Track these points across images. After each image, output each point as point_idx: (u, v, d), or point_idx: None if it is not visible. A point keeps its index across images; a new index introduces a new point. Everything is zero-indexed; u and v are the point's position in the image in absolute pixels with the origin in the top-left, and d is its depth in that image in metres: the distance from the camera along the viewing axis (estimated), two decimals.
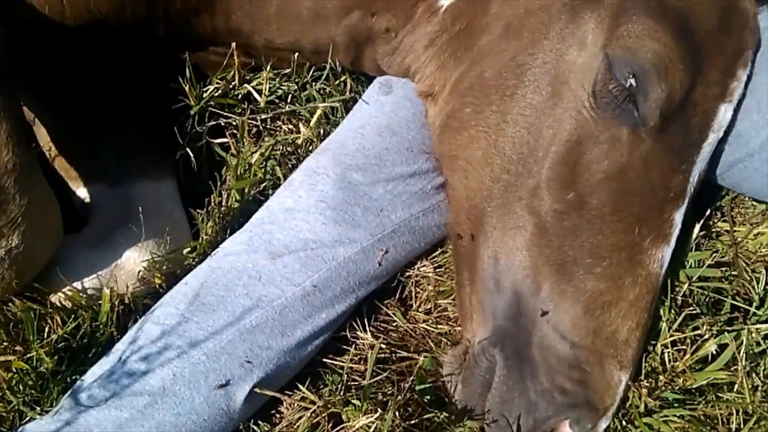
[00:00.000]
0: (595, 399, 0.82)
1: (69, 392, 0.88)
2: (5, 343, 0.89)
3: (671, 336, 0.90)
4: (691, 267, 1.04)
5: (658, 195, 0.85)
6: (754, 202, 1.19)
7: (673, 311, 0.93)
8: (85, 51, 1.08)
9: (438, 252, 1.14)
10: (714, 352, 0.90)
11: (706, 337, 0.90)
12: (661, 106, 0.82)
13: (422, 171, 1.05)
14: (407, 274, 1.13)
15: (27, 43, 0.99)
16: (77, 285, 0.95)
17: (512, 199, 0.87)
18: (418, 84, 1.04)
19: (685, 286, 0.99)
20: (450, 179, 0.96)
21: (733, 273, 1.07)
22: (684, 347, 0.90)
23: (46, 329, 0.93)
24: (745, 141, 0.95)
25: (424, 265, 1.13)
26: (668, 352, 0.90)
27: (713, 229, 1.16)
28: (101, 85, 1.12)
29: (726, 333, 0.91)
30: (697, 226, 1.04)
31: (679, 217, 0.88)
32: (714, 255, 1.07)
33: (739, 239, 1.11)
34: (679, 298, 0.98)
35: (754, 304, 0.99)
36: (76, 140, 1.09)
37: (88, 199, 1.08)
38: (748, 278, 1.06)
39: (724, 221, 1.18)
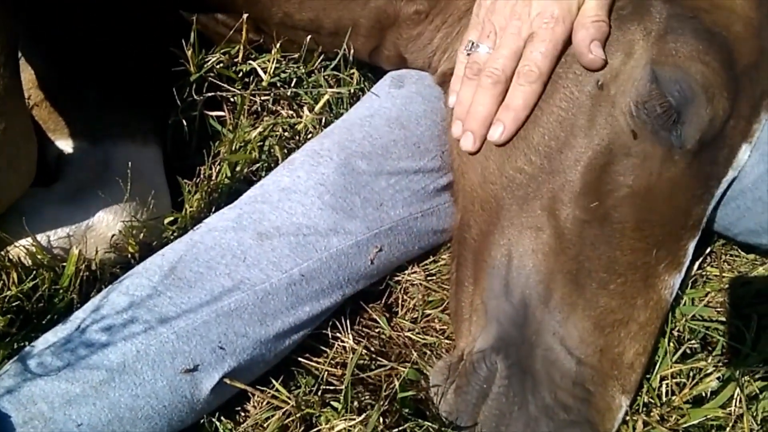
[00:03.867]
0: (595, 419, 0.77)
1: (16, 357, 0.78)
2: None
3: (671, 368, 0.86)
4: (685, 305, 1.03)
5: (679, 221, 0.83)
6: (742, 252, 1.19)
7: (672, 343, 0.89)
8: None
9: (430, 260, 1.09)
10: (711, 391, 0.87)
11: (710, 371, 0.87)
12: (702, 129, 0.80)
13: (427, 169, 1.00)
14: (396, 278, 1.07)
15: None
16: (42, 240, 0.85)
17: (533, 196, 0.84)
18: (442, 64, 1.00)
19: (682, 322, 0.97)
20: (464, 164, 0.91)
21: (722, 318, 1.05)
22: (684, 380, 0.87)
23: (0, 285, 0.83)
24: (738, 178, 0.94)
25: (415, 272, 1.08)
26: (666, 384, 0.86)
27: (703, 272, 1.15)
28: (101, 35, 1.04)
29: (725, 369, 0.88)
30: (696, 264, 1.03)
31: (692, 247, 0.86)
32: (708, 295, 1.05)
33: (728, 286, 1.10)
34: (675, 332, 0.96)
35: (747, 345, 0.97)
36: (64, 87, 1.01)
37: (64, 154, 0.99)
38: (740, 322, 1.04)
39: (713, 266, 1.17)
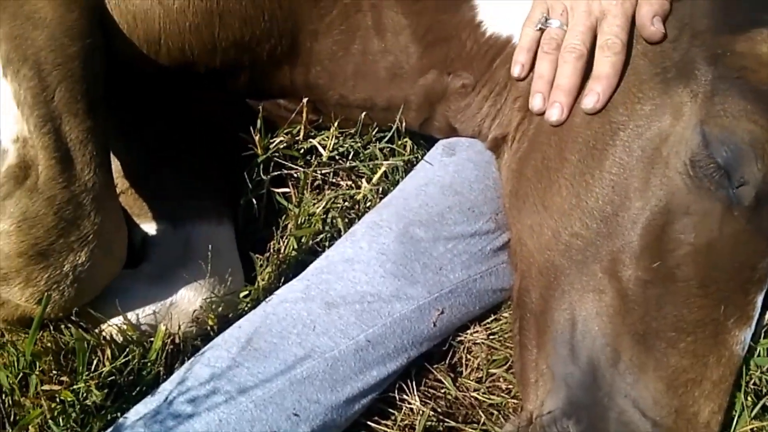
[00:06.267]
0: None
1: (111, 428, 0.85)
2: (54, 372, 0.88)
3: (750, 424, 0.84)
4: (759, 355, 1.00)
5: (745, 275, 0.82)
6: None
7: (750, 398, 0.87)
8: (169, 92, 1.13)
9: (491, 318, 1.11)
10: None
11: None
12: (756, 186, 0.81)
13: (483, 232, 1.04)
14: (459, 338, 1.09)
15: (120, 77, 1.04)
16: (131, 318, 0.94)
17: (592, 260, 0.85)
18: (492, 130, 1.05)
19: (757, 374, 0.94)
20: (520, 231, 0.94)
21: None
22: None
23: (95, 362, 0.91)
24: None
25: (477, 331, 1.10)
26: None
27: None
28: (180, 127, 1.16)
29: None
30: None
31: (760, 300, 0.85)
32: None
33: None
34: (752, 386, 0.93)
35: None
36: (148, 177, 1.12)
37: (148, 236, 1.09)
38: None
39: None
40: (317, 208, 1.12)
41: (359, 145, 1.21)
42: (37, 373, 0.87)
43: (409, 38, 1.09)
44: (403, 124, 1.15)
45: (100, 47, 0.99)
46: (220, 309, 0.99)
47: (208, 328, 0.99)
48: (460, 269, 1.02)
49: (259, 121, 1.15)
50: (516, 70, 0.99)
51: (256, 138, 1.15)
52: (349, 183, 1.21)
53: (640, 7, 0.89)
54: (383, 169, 1.14)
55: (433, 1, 1.09)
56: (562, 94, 0.92)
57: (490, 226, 1.05)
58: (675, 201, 0.83)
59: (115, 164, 1.17)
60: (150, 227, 1.11)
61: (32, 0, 0.94)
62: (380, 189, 1.17)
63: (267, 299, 1.00)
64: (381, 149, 1.20)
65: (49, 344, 0.89)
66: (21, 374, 0.88)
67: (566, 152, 0.90)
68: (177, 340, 0.97)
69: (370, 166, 1.18)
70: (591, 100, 0.89)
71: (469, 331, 1.10)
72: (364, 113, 1.16)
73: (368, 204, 1.17)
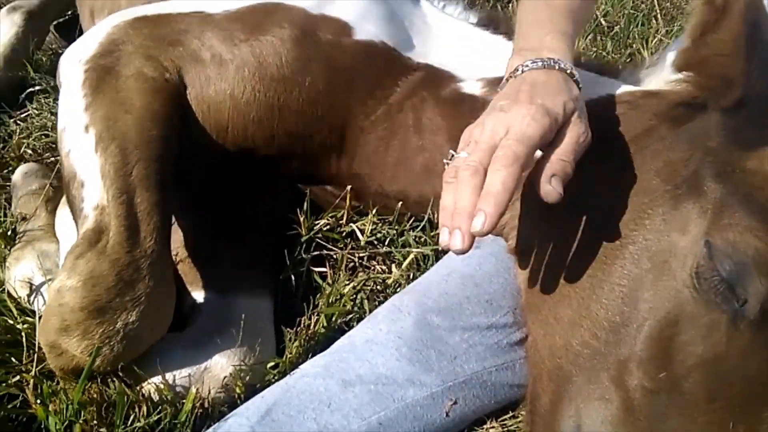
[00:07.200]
0: None
1: None
2: (95, 422, 0.98)
3: None
4: None
5: (756, 390, 0.81)
6: None
7: None
8: (229, 173, 1.27)
9: (508, 415, 1.11)
10: None
11: None
12: (761, 300, 0.81)
13: (499, 325, 1.07)
14: None
15: (191, 159, 1.18)
16: (168, 378, 1.03)
17: (600, 368, 0.86)
18: (510, 240, 1.10)
19: None
20: (534, 335, 0.97)
21: None
22: None
23: (131, 417, 1.00)
24: None
25: (493, 427, 1.11)
26: None
27: None
28: (236, 206, 1.29)
29: None
30: None
31: None
32: None
33: None
34: None
35: None
36: (204, 249, 1.25)
37: (197, 303, 1.20)
38: None
39: None
40: (348, 287, 1.19)
41: (395, 232, 1.29)
42: (80, 422, 0.98)
43: (445, 138, 1.19)
44: (435, 215, 1.23)
45: (177, 132, 1.14)
46: (248, 378, 1.07)
47: (236, 395, 1.06)
48: (475, 360, 1.05)
49: (306, 204, 1.27)
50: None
51: (302, 219, 1.26)
52: (383, 267, 1.29)
53: (540, 164, 0.84)
54: (413, 255, 1.21)
55: (468, 106, 1.19)
56: (460, 219, 0.79)
57: (507, 320, 1.08)
58: (682, 313, 0.83)
59: (178, 235, 1.32)
60: (199, 295, 1.22)
61: (126, 89, 1.12)
62: (410, 276, 1.24)
63: (292, 372, 1.07)
64: (414, 237, 1.28)
65: (95, 395, 0.99)
66: (67, 422, 0.99)
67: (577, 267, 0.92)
68: (206, 405, 1.05)
69: (403, 253, 1.25)
70: (478, 222, 0.77)
71: (485, 426, 1.11)
72: (400, 203, 1.25)
73: (397, 288, 1.23)
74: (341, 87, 1.21)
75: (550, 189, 0.82)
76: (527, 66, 0.94)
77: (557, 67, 0.93)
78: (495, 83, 1.19)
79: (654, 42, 2.10)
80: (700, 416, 0.80)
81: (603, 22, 2.21)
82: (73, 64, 1.18)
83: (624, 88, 1.13)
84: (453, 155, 0.88)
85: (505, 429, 1.09)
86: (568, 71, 0.94)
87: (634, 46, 2.14)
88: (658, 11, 2.23)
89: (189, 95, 1.18)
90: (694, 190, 0.89)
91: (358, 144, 1.25)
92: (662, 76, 1.11)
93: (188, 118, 1.18)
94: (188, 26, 1.21)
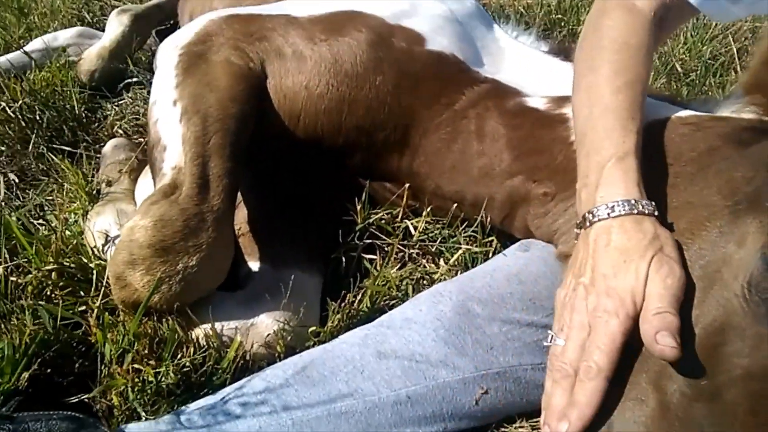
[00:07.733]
0: None
1: (174, 411, 0.99)
2: (145, 352, 1.05)
3: None
4: None
5: None
6: None
7: None
8: (296, 160, 1.36)
9: (539, 418, 1.11)
10: None
11: None
12: None
13: (540, 324, 1.08)
14: (503, 430, 1.10)
15: (264, 142, 1.29)
16: (217, 327, 1.09)
17: (638, 369, 0.86)
18: (561, 244, 1.12)
19: None
20: None
21: None
22: None
23: (179, 355, 1.07)
24: None
25: (522, 426, 1.10)
26: None
27: None
28: (299, 189, 1.38)
29: None
30: None
31: None
32: None
33: None
34: None
35: None
36: (265, 227, 1.33)
37: (252, 272, 1.28)
38: None
39: None
40: (395, 274, 1.24)
41: (447, 233, 1.34)
42: (133, 351, 1.05)
43: (505, 145, 1.24)
44: (488, 219, 1.27)
45: (253, 115, 1.25)
46: (289, 339, 1.12)
47: (276, 354, 1.11)
48: (511, 354, 1.06)
49: (364, 195, 1.34)
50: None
51: (359, 208, 1.33)
52: (432, 266, 1.33)
53: (641, 327, 0.84)
54: (461, 251, 1.24)
55: (530, 118, 1.24)
56: (550, 416, 0.86)
57: (549, 321, 1.09)
58: (730, 323, 0.82)
59: (243, 212, 1.41)
60: (255, 265, 1.30)
61: (213, 72, 1.25)
62: (457, 272, 1.27)
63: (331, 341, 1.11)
64: (465, 238, 1.32)
65: (149, 330, 1.07)
66: (121, 350, 1.06)
67: None
68: (248, 357, 1.10)
69: (452, 250, 1.29)
70: (563, 426, 0.83)
71: (515, 425, 1.11)
72: (455, 205, 1.30)
73: None
74: (408, 90, 1.29)
75: (660, 348, 0.80)
76: (599, 216, 0.92)
77: (635, 212, 0.91)
78: (560, 101, 1.25)
79: (731, 89, 2.09)
80: (740, 428, 0.79)
81: (678, 69, 2.19)
82: (170, 49, 1.32)
83: (691, 112, 1.15)
84: (552, 337, 0.91)
85: (535, 430, 1.09)
86: (647, 212, 0.91)
87: (710, 93, 2.09)
88: (737, 63, 2.18)
89: (268, 84, 1.29)
90: (754, 206, 0.89)
91: (420, 144, 1.32)
92: (732, 107, 1.14)
93: (265, 105, 1.29)
94: (275, 25, 1.34)
